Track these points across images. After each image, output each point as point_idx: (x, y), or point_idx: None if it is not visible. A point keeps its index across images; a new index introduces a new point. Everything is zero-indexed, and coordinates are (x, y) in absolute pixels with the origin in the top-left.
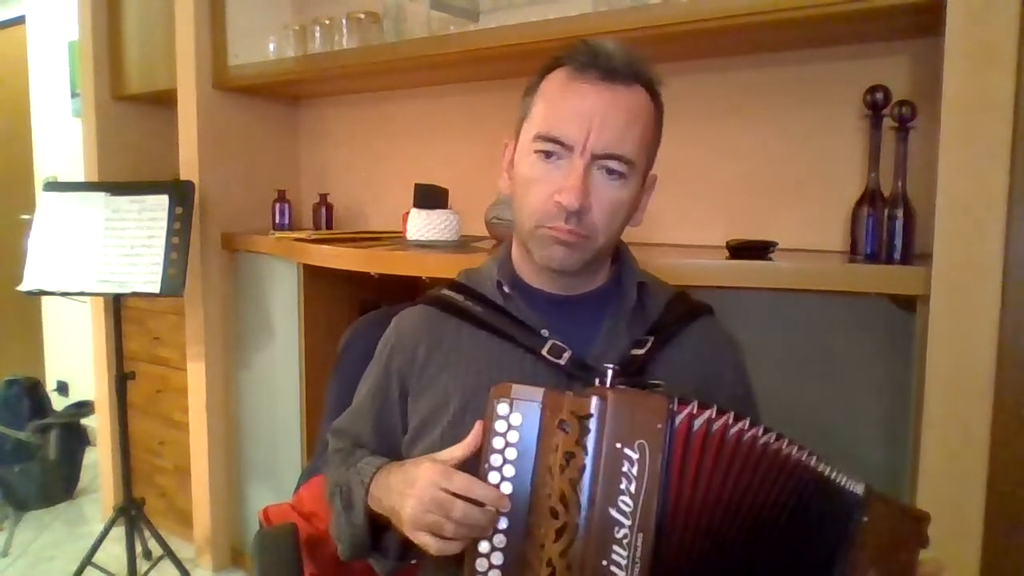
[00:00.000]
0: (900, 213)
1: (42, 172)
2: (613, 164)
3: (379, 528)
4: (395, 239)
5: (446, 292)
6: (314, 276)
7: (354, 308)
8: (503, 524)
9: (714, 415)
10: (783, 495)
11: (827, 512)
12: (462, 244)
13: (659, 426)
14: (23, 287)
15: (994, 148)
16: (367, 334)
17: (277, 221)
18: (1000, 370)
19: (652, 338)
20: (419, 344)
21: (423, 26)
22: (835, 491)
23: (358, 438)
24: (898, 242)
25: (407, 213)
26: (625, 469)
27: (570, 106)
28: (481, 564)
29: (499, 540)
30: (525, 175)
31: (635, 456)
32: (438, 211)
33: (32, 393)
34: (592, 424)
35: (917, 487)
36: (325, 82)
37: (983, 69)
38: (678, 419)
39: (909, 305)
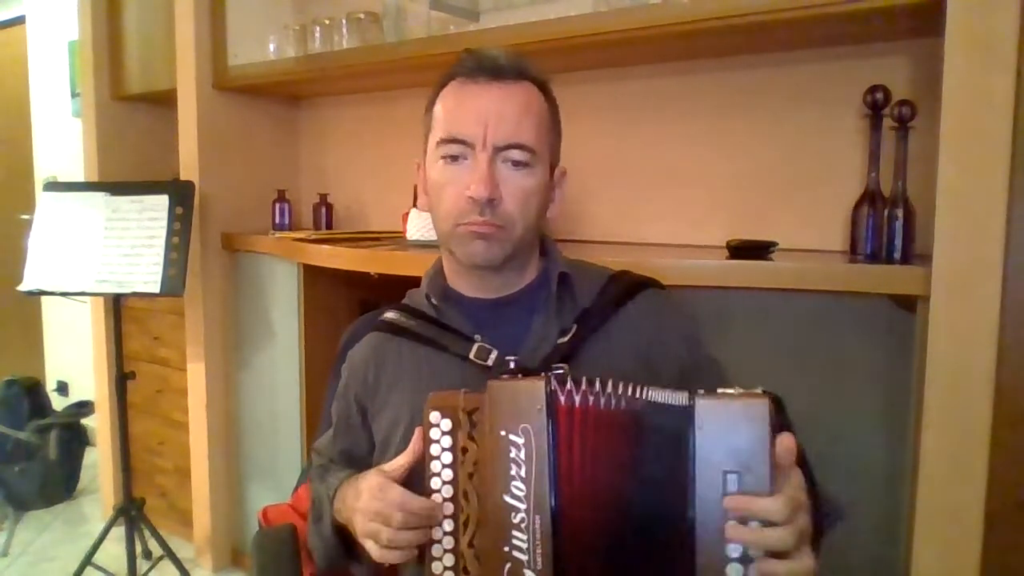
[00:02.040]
0: (900, 213)
1: (42, 172)
2: (515, 154)
3: (352, 536)
4: (395, 239)
5: (387, 315)
6: (314, 276)
7: (354, 308)
8: (448, 527)
9: (586, 387)
10: (638, 439)
11: (668, 435)
12: None
13: (538, 408)
14: (23, 287)
15: (994, 148)
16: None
17: (277, 221)
18: (1000, 370)
19: (576, 326)
20: (367, 368)
21: (423, 26)
22: (666, 412)
23: (332, 459)
24: (898, 242)
25: (407, 213)
26: (513, 455)
27: (465, 107)
28: (436, 567)
29: (448, 542)
30: (436, 181)
31: (521, 441)
32: None
33: (32, 393)
34: (483, 416)
35: (917, 487)
36: (325, 82)
37: (983, 69)
38: (561, 399)
39: (909, 305)
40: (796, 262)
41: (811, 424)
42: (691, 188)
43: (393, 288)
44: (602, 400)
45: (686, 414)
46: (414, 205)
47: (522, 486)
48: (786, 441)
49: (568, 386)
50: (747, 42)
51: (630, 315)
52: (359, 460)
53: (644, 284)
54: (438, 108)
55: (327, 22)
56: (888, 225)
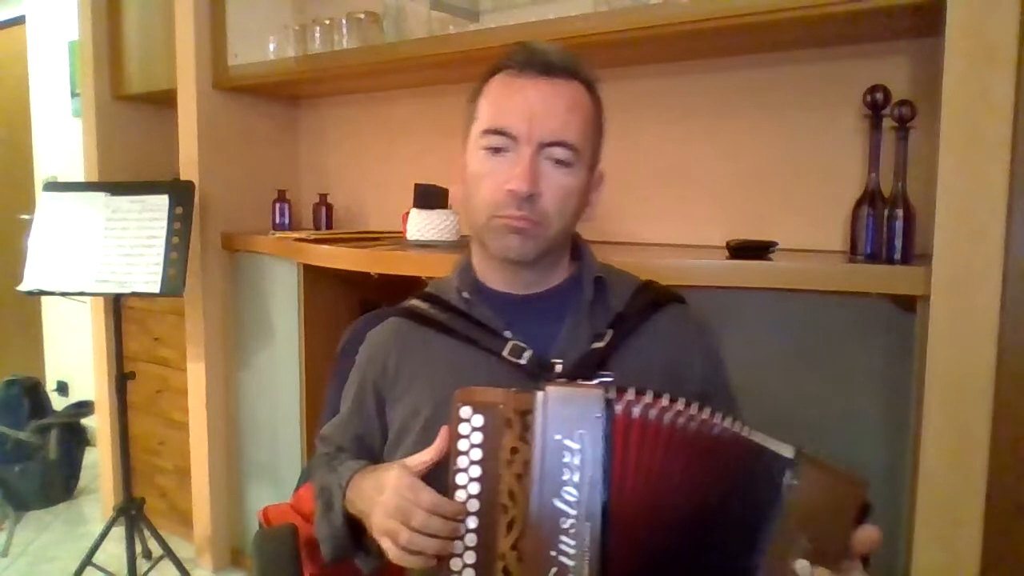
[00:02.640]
0: (900, 213)
1: (42, 172)
2: (559, 152)
3: (361, 528)
4: (395, 239)
5: (413, 302)
6: (314, 276)
7: (354, 308)
8: (472, 524)
9: (650, 400)
10: (718, 469)
11: (755, 478)
12: (462, 244)
13: (597, 415)
14: (23, 287)
15: (994, 148)
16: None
17: (277, 221)
18: (1000, 370)
19: (612, 331)
20: (389, 356)
21: (423, 26)
22: (764, 457)
23: (340, 445)
24: (898, 242)
25: (407, 213)
26: (567, 460)
27: (513, 100)
28: (455, 563)
29: (471, 539)
30: (475, 171)
31: (576, 447)
32: (438, 211)
33: (32, 393)
34: (534, 419)
35: (917, 487)
36: (325, 82)
37: (983, 69)
38: (617, 408)
39: (909, 305)
40: (796, 262)
41: (811, 424)
42: (691, 188)
43: (393, 288)
44: (667, 416)
45: (785, 466)
46: (414, 205)
47: (574, 492)
48: (873, 535)
49: (628, 395)
50: (747, 42)
51: (658, 327)
52: (371, 448)
53: (673, 297)
54: (484, 98)
55: (327, 22)
56: (888, 225)
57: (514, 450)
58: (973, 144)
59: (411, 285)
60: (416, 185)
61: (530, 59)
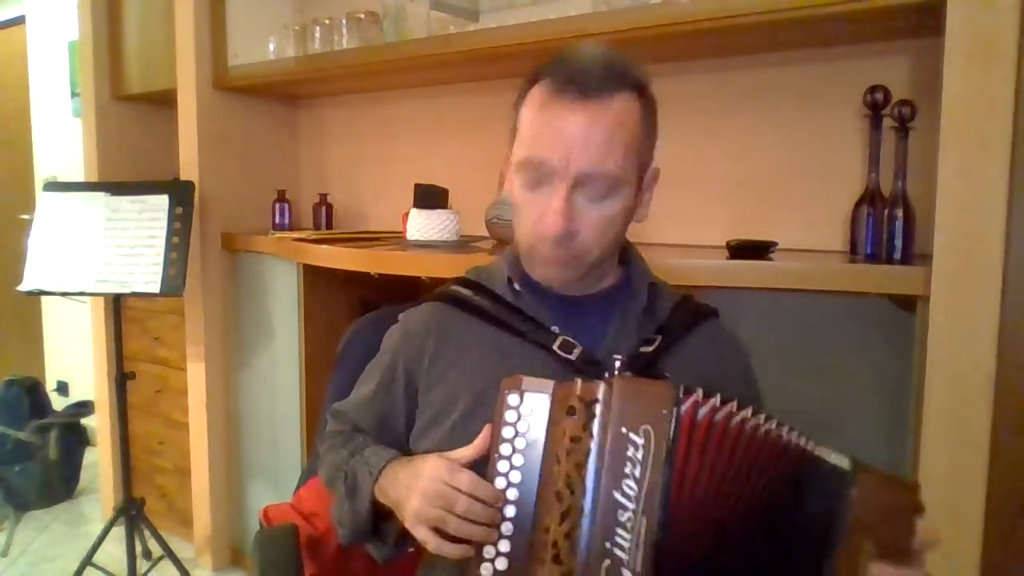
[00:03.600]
0: (900, 213)
1: (42, 172)
2: (598, 184)
3: (380, 515)
4: (395, 239)
5: (455, 288)
6: (314, 276)
7: (354, 308)
8: (510, 512)
9: (718, 403)
10: (779, 477)
11: (816, 489)
12: (462, 244)
13: (664, 412)
14: (23, 287)
15: (994, 148)
16: (367, 334)
17: (277, 221)
18: (1000, 370)
19: (660, 337)
20: (427, 339)
21: (423, 26)
22: (823, 467)
23: (357, 425)
24: (898, 242)
25: (407, 213)
26: (630, 454)
27: (549, 130)
28: (488, 551)
29: (506, 528)
30: (515, 198)
31: (640, 441)
32: (438, 211)
33: (32, 393)
34: (598, 409)
35: None
36: (325, 82)
37: (983, 69)
38: (683, 406)
39: (909, 305)
40: (796, 262)
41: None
42: (691, 188)
43: (393, 288)
44: (733, 421)
45: (844, 476)
46: (414, 205)
47: (634, 486)
48: (932, 534)
49: (696, 396)
50: (747, 42)
51: (699, 340)
52: (393, 430)
53: (709, 312)
54: (524, 113)
55: (327, 22)
56: (888, 225)
57: (576, 439)
58: (973, 144)
59: (411, 285)
60: (416, 185)
61: (569, 76)
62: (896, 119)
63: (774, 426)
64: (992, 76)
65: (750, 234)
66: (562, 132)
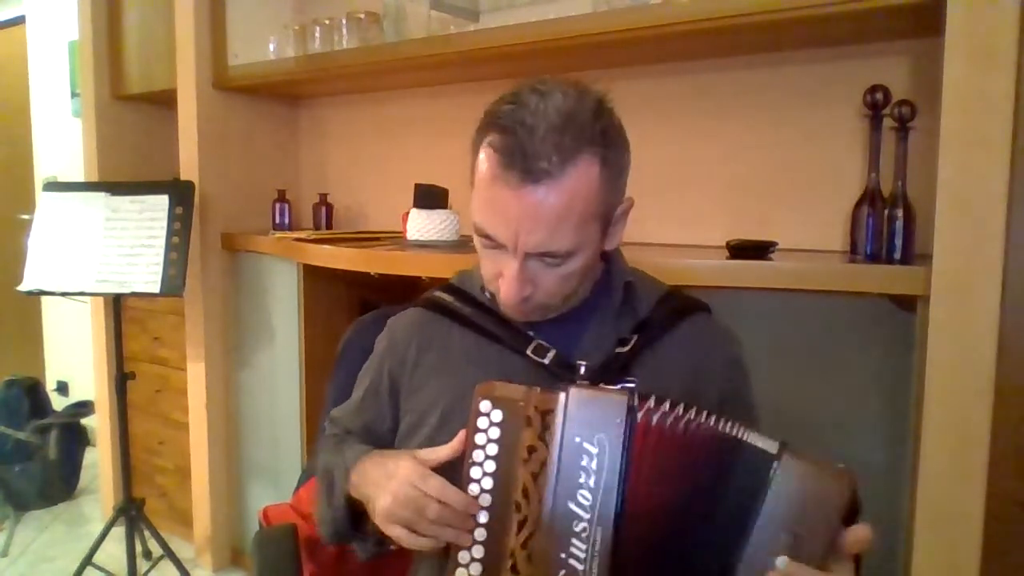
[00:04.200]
0: (900, 213)
1: (42, 172)
2: (551, 256)
3: (361, 513)
4: (395, 239)
5: (437, 294)
6: (314, 276)
7: (354, 308)
8: (483, 518)
9: (668, 409)
10: (714, 469)
11: (745, 475)
12: (462, 244)
13: (618, 421)
14: (23, 287)
15: (994, 148)
16: (367, 334)
17: (277, 221)
18: (1000, 370)
19: (636, 336)
20: (410, 345)
21: (423, 26)
22: (750, 452)
23: (349, 430)
24: (898, 242)
25: (407, 213)
26: (584, 463)
27: (495, 209)
28: (463, 556)
29: (480, 534)
30: (476, 244)
31: (594, 451)
32: (438, 211)
33: (32, 393)
34: (555, 419)
35: (917, 487)
36: (325, 82)
37: (983, 69)
38: (639, 415)
39: (909, 305)
40: (796, 262)
41: (811, 424)
42: (691, 188)
43: (393, 288)
44: (681, 424)
45: (770, 462)
46: (414, 205)
47: (589, 496)
48: (861, 533)
49: (649, 403)
50: (747, 42)
51: (683, 335)
52: (379, 436)
53: (697, 307)
54: (476, 172)
55: (327, 22)
56: (888, 225)
57: (531, 448)
58: (973, 144)
59: (411, 285)
60: (416, 185)
61: (511, 159)
62: (896, 119)
63: (713, 421)
64: (992, 76)
65: (750, 234)
66: (507, 215)
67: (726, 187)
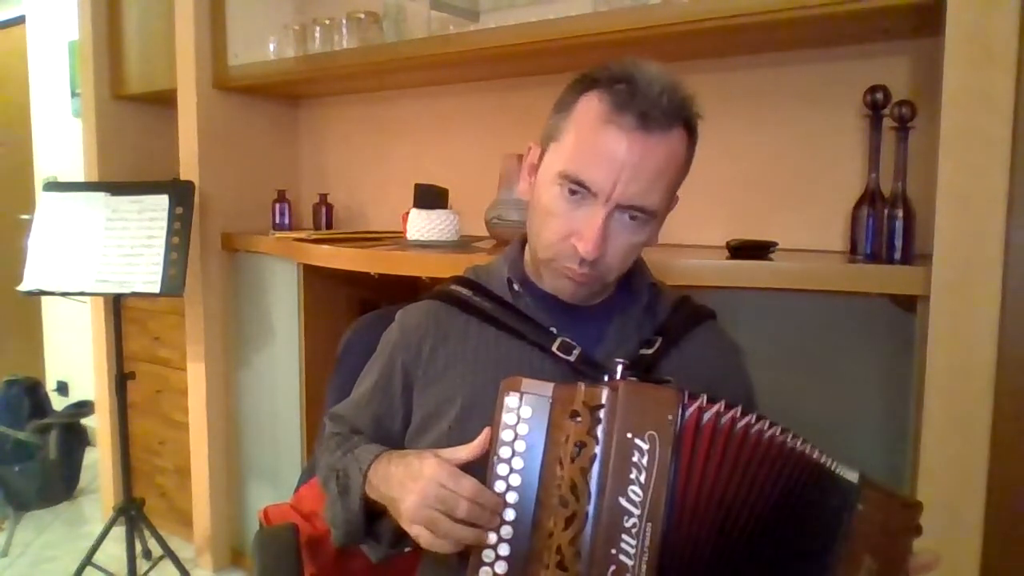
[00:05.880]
0: (900, 213)
1: (42, 172)
2: (636, 214)
3: (374, 514)
4: (395, 239)
5: (454, 287)
6: (314, 276)
7: (354, 308)
8: (510, 516)
9: (723, 409)
10: (785, 486)
11: (823, 500)
12: (462, 244)
13: (670, 417)
14: (23, 287)
15: (994, 148)
16: (367, 334)
17: (277, 221)
18: (1000, 370)
19: (660, 338)
20: (424, 338)
21: (423, 26)
22: (831, 479)
23: (355, 427)
24: (898, 242)
25: (407, 213)
26: (635, 459)
27: (601, 152)
28: (487, 555)
29: (506, 531)
30: (545, 205)
31: (646, 447)
32: (438, 211)
33: (32, 393)
34: (603, 415)
35: (917, 487)
36: (325, 82)
37: (983, 69)
38: (688, 411)
39: (909, 305)
40: (796, 262)
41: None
42: (691, 188)
43: (393, 288)
44: (738, 426)
45: (850, 489)
46: (414, 205)
47: (639, 492)
48: (931, 561)
49: (700, 401)
50: (747, 42)
51: (698, 341)
52: (389, 430)
53: (708, 314)
54: (572, 123)
55: (327, 22)
56: (888, 225)
57: (580, 443)
58: (973, 144)
59: (411, 285)
60: (416, 185)
61: (630, 99)
62: (896, 119)
63: (779, 432)
64: (992, 76)
65: (750, 234)
66: (614, 159)
67: (726, 187)
